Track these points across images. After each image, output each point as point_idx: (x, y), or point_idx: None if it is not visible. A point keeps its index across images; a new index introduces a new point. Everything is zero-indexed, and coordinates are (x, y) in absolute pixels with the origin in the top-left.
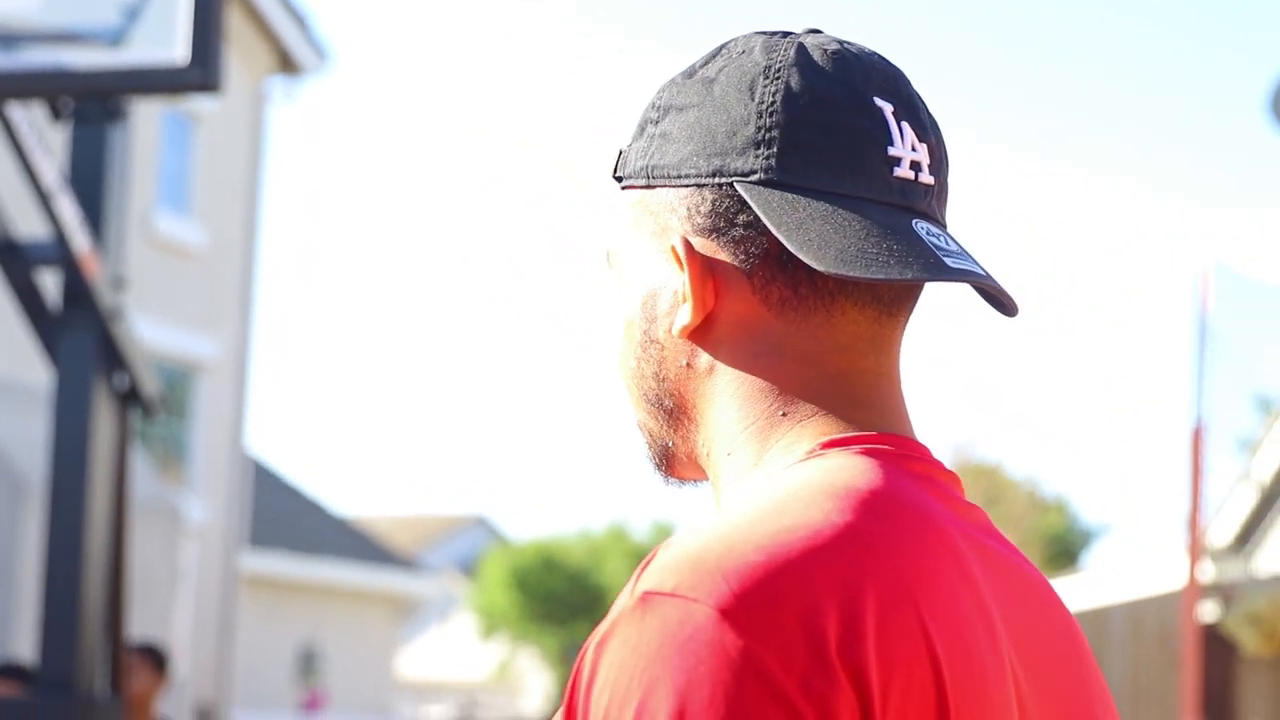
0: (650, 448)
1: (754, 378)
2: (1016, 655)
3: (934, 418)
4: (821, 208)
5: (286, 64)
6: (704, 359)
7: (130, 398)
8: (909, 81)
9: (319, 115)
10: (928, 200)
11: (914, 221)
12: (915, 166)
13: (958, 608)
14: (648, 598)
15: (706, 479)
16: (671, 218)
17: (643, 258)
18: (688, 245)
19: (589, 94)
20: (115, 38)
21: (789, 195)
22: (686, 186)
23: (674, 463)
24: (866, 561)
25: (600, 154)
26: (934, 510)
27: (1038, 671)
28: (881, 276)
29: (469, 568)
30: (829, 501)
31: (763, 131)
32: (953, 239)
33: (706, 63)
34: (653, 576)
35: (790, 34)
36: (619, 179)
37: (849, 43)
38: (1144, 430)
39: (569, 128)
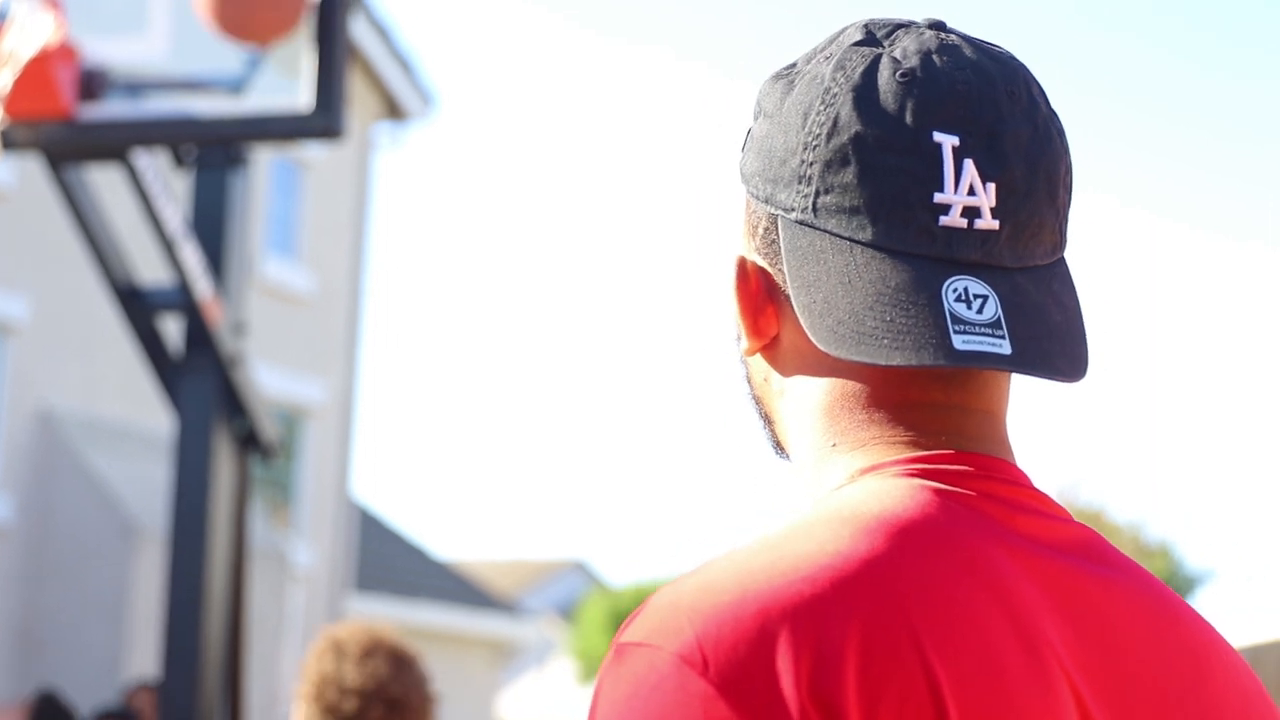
0: (770, 441)
1: (812, 408)
2: (1085, 676)
3: (1038, 461)
4: (841, 263)
5: (393, 110)
6: (776, 379)
7: (249, 442)
8: (1008, 97)
9: (424, 160)
10: (987, 247)
11: (949, 281)
12: (970, 212)
13: (974, 628)
14: (621, 649)
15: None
16: (747, 228)
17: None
18: (741, 266)
19: (695, 132)
20: (238, 86)
21: (820, 241)
22: (756, 200)
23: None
24: (853, 588)
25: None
26: (961, 529)
27: (1123, 692)
28: (865, 360)
29: (568, 612)
30: (828, 529)
31: (805, 166)
32: (1000, 300)
33: (809, 57)
34: (630, 626)
35: (897, 29)
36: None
37: (944, 52)
38: (1251, 473)
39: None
